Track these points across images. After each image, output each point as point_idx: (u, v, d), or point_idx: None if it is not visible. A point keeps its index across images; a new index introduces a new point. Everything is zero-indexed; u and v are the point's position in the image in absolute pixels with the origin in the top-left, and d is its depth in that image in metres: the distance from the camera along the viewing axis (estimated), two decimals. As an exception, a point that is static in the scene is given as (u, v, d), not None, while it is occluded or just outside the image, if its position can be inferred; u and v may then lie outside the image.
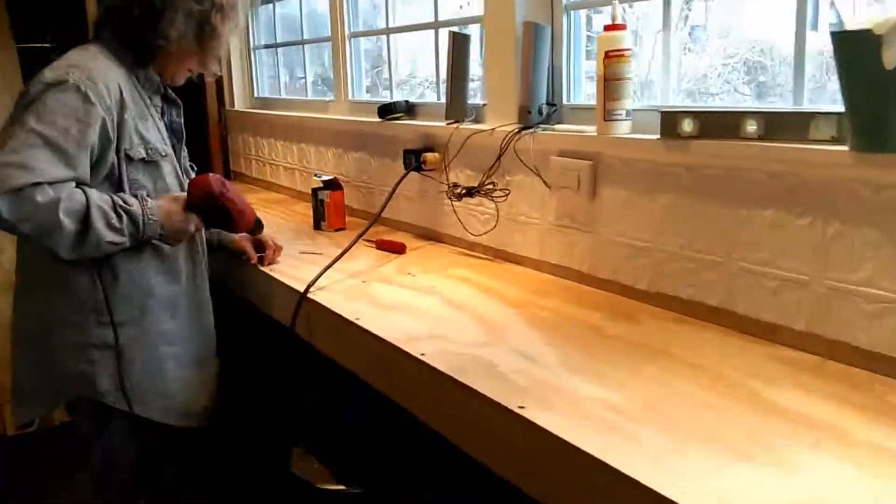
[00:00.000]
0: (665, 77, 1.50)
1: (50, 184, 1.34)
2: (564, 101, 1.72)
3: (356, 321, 1.43)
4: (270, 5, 3.24)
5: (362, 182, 2.41)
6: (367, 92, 2.61)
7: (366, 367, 1.42)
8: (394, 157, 2.21)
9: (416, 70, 2.60)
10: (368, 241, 2.03)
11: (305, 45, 2.96)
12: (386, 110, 2.21)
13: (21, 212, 1.32)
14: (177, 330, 1.67)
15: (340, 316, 1.48)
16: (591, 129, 1.56)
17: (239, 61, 3.41)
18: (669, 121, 1.34)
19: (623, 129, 1.48)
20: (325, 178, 2.29)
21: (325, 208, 2.24)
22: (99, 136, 1.44)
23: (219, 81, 3.41)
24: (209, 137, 3.45)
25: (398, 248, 1.95)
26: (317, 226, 2.28)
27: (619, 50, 1.44)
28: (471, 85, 1.94)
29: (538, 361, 1.20)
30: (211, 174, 1.60)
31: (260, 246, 1.91)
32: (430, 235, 2.11)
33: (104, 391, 1.57)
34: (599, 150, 1.53)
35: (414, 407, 1.27)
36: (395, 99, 2.23)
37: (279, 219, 2.48)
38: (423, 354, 1.25)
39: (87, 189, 1.41)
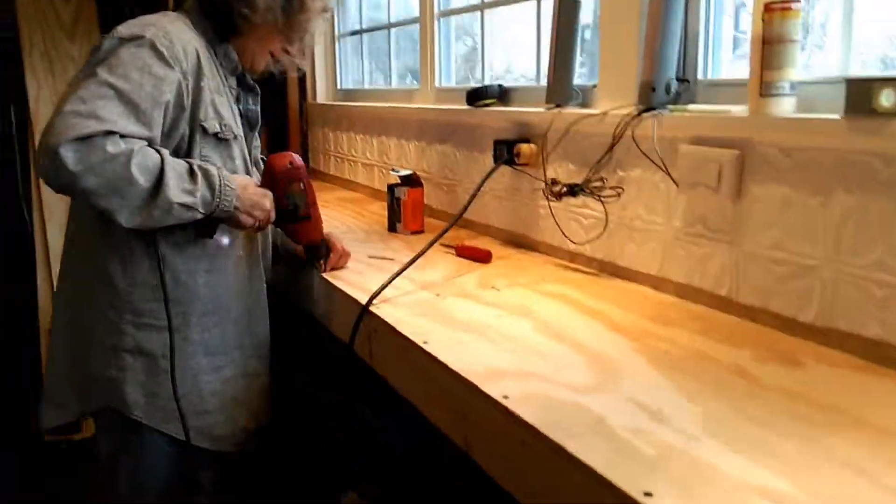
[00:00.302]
0: (845, 36, 1.12)
1: (122, 136, 1.21)
2: (700, 76, 1.37)
3: (423, 345, 1.12)
4: (358, -10, 3.00)
5: (445, 179, 2.11)
6: (456, 83, 2.32)
7: (432, 404, 1.11)
8: (482, 150, 1.90)
9: (513, 65, 2.28)
10: (447, 246, 1.73)
11: (392, 30, 2.69)
12: (475, 96, 1.91)
13: (88, 162, 1.17)
14: (221, 338, 1.46)
15: (405, 336, 1.17)
16: (738, 109, 1.20)
17: (323, 51, 3.19)
18: (860, 92, 0.97)
19: (785, 106, 1.12)
20: (402, 172, 2.00)
21: (401, 207, 1.95)
22: (174, 99, 1.31)
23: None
24: (289, 132, 3.24)
25: (482, 256, 1.63)
26: (391, 227, 2.00)
27: (784, 1, 1.08)
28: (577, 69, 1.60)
29: (667, 419, 0.86)
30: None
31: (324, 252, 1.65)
32: (521, 242, 1.78)
33: (132, 402, 1.39)
34: (750, 136, 1.17)
35: (493, 467, 0.95)
36: (487, 83, 1.93)
37: (351, 218, 2.21)
38: (505, 397, 0.92)
39: (160, 148, 1.27)
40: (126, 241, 1.36)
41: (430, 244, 1.52)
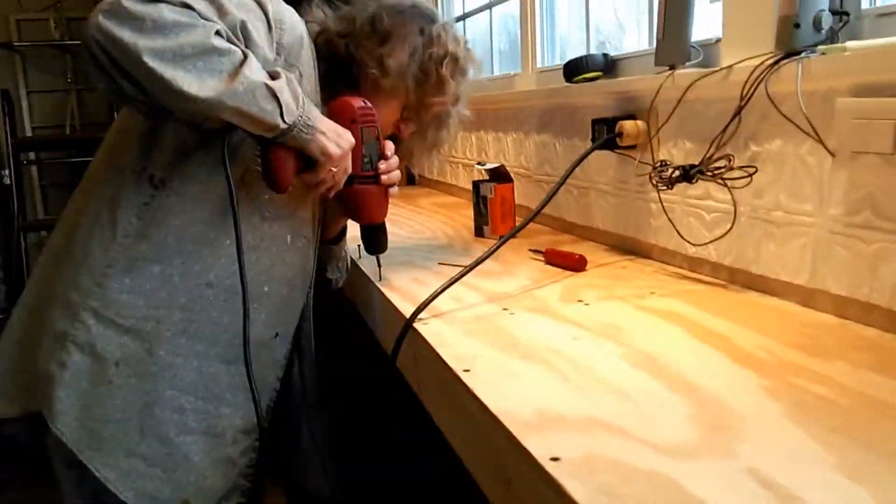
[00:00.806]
0: None
1: (201, 16, 0.90)
2: (866, 4, 0.99)
3: (463, 374, 0.83)
4: (463, -23, 2.75)
5: (544, 175, 1.80)
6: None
7: (475, 458, 0.81)
8: (584, 136, 1.58)
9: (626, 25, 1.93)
10: (536, 252, 1.42)
11: (494, 9, 2.41)
12: (574, 69, 1.59)
13: (156, 18, 0.87)
14: (208, 372, 1.06)
15: (445, 363, 0.88)
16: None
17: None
18: None
19: None
20: (489, 166, 1.71)
21: (487, 207, 1.66)
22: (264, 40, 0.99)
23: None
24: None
25: (574, 263, 1.31)
26: (478, 231, 1.71)
27: None
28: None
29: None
30: None
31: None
32: (630, 247, 1.44)
33: (60, 414, 1.00)
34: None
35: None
36: (589, 52, 1.60)
37: (437, 223, 1.94)
38: (555, 459, 0.61)
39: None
40: (132, 192, 1.02)
41: (497, 246, 1.22)
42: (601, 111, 1.44)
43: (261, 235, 1.07)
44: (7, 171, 3.54)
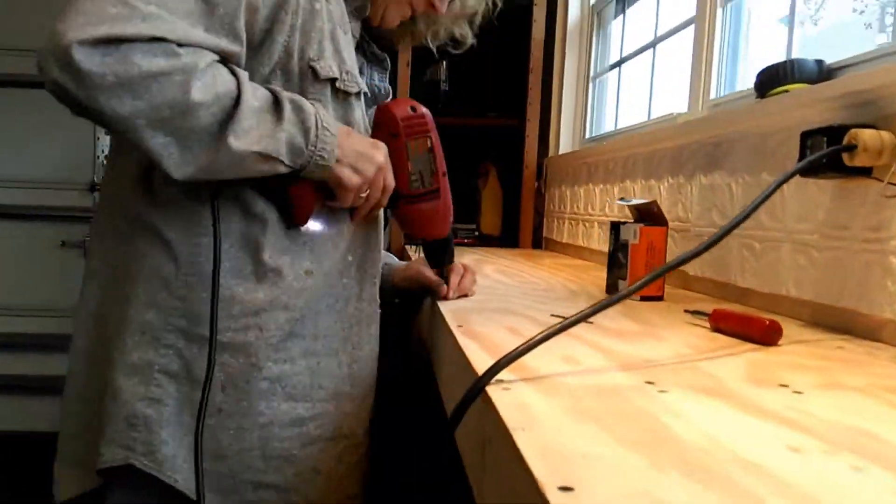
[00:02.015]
0: None
1: (180, 45, 0.79)
2: None
3: (558, 496, 0.39)
4: (622, 16, 2.39)
5: (710, 226, 1.34)
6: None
7: None
8: (776, 168, 1.12)
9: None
10: (696, 313, 0.96)
11: (657, 47, 2.02)
12: (772, 79, 1.15)
13: (122, 75, 0.75)
14: (310, 377, 0.98)
15: (525, 464, 0.45)
16: None
17: (573, 94, 2.60)
18: None
19: None
20: (634, 201, 1.27)
21: (628, 256, 1.22)
22: (270, 9, 0.89)
23: (543, 123, 2.63)
24: (522, 195, 2.65)
25: (761, 332, 0.83)
26: (612, 288, 1.26)
27: None
28: None
29: None
30: None
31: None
32: (840, 322, 0.95)
33: (168, 459, 0.90)
34: None
35: None
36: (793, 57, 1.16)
37: (559, 279, 1.51)
38: None
39: (236, 68, 0.86)
40: (185, 210, 0.93)
41: (635, 288, 0.77)
42: (812, 123, 0.99)
43: (325, 244, 0.99)
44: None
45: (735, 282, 1.21)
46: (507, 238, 2.71)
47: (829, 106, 1.00)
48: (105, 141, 3.89)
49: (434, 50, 1.22)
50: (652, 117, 1.97)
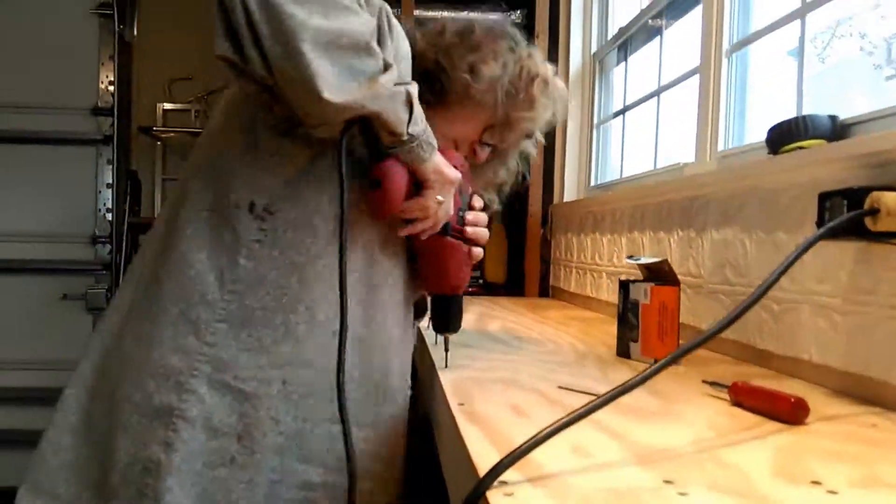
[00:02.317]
0: None
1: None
2: None
3: None
4: (624, 64, 2.37)
5: (723, 283, 1.29)
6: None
7: None
8: (793, 226, 1.08)
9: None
10: (715, 384, 0.91)
11: (662, 96, 1.99)
12: (783, 136, 1.12)
13: None
14: (326, 438, 0.93)
15: None
16: None
17: (577, 140, 2.58)
18: None
19: None
20: (644, 260, 1.23)
21: (639, 317, 1.17)
22: None
23: (548, 169, 2.60)
24: (526, 244, 2.60)
25: (786, 410, 0.78)
26: (622, 350, 1.21)
27: None
28: None
29: None
30: None
31: None
32: (868, 392, 0.89)
33: None
34: None
35: None
36: (804, 113, 1.13)
37: (566, 336, 1.45)
38: None
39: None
40: (238, 230, 0.91)
41: (654, 369, 0.71)
42: (828, 186, 0.94)
43: (382, 273, 0.98)
44: (111, 248, 3.43)
45: (753, 343, 1.15)
46: (512, 286, 2.65)
47: (846, 165, 0.96)
48: (107, 194, 3.88)
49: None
50: (658, 166, 1.93)
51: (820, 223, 0.91)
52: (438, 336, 1.06)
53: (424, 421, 1.25)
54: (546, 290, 2.59)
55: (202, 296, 0.89)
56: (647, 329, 1.15)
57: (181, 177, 1.01)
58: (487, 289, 2.63)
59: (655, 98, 2.01)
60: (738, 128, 1.56)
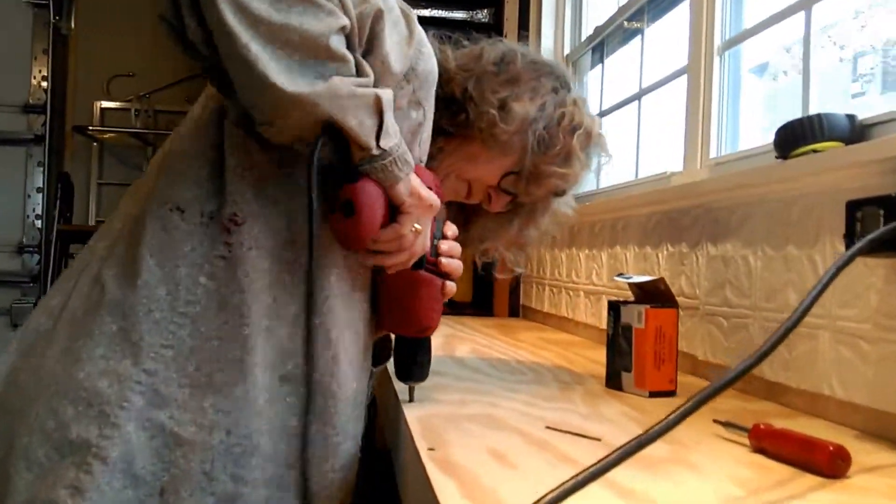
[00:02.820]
0: None
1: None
2: None
3: None
4: (601, 66, 2.29)
5: (723, 305, 1.18)
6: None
7: None
8: (807, 241, 0.98)
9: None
10: (732, 426, 0.80)
11: (643, 99, 1.90)
12: (797, 137, 1.02)
13: None
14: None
15: None
16: None
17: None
18: None
19: None
20: (637, 279, 1.12)
21: (632, 343, 1.06)
22: None
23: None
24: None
25: (826, 464, 0.67)
26: (612, 379, 1.09)
27: None
28: None
29: None
30: None
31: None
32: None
33: None
34: None
35: None
36: (818, 111, 1.03)
37: (544, 361, 1.34)
38: None
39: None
40: (199, 242, 0.79)
41: (677, 417, 0.60)
42: (849, 193, 0.84)
43: (353, 313, 0.85)
44: (39, 258, 3.24)
45: (762, 374, 1.05)
46: (479, 304, 2.54)
47: (873, 170, 0.86)
48: (36, 199, 3.68)
49: (479, 265, 1.20)
50: (640, 176, 1.84)
51: (850, 236, 0.81)
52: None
53: (382, 457, 1.12)
54: (516, 310, 2.48)
55: (148, 312, 0.76)
56: (642, 357, 1.04)
57: (151, 166, 0.88)
58: (452, 307, 2.52)
59: (636, 102, 1.92)
60: (731, 133, 1.47)
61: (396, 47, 0.78)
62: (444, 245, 0.91)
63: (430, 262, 0.89)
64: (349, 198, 0.75)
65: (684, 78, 1.57)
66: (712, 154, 1.45)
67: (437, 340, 1.72)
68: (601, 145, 1.10)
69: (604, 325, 1.70)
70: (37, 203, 3.76)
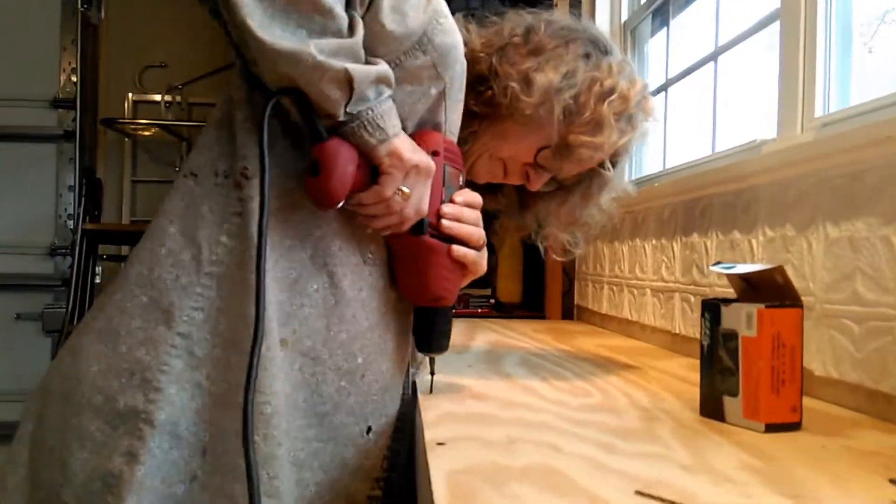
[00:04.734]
0: None
1: None
2: None
3: None
4: (664, 32, 1.98)
5: (854, 302, 0.88)
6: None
7: None
8: None
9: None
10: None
11: (719, 59, 1.59)
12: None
13: None
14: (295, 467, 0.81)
15: None
16: None
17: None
18: None
19: None
20: (742, 269, 0.83)
21: (738, 359, 0.77)
22: None
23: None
24: (545, 256, 2.20)
25: None
26: (710, 407, 0.80)
27: None
28: None
29: None
30: None
31: None
32: None
33: None
34: None
35: None
36: None
37: (613, 380, 1.05)
38: None
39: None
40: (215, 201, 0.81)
41: None
42: None
43: (361, 283, 0.85)
44: (73, 260, 3.05)
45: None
46: (529, 305, 2.27)
47: None
48: (68, 198, 3.51)
49: (542, 249, 1.18)
50: (718, 150, 1.53)
51: None
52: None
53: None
54: (570, 312, 2.20)
55: (176, 279, 0.79)
56: (754, 376, 0.75)
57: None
58: (500, 309, 2.25)
59: (711, 64, 1.62)
60: (840, 88, 1.16)
61: (401, 9, 0.77)
62: (448, 208, 0.87)
63: (433, 228, 0.86)
64: (314, 157, 0.75)
65: (776, 26, 1.27)
66: (817, 113, 1.15)
67: (480, 345, 1.47)
68: (645, 110, 1.03)
69: (677, 329, 1.41)
70: (68, 203, 3.59)
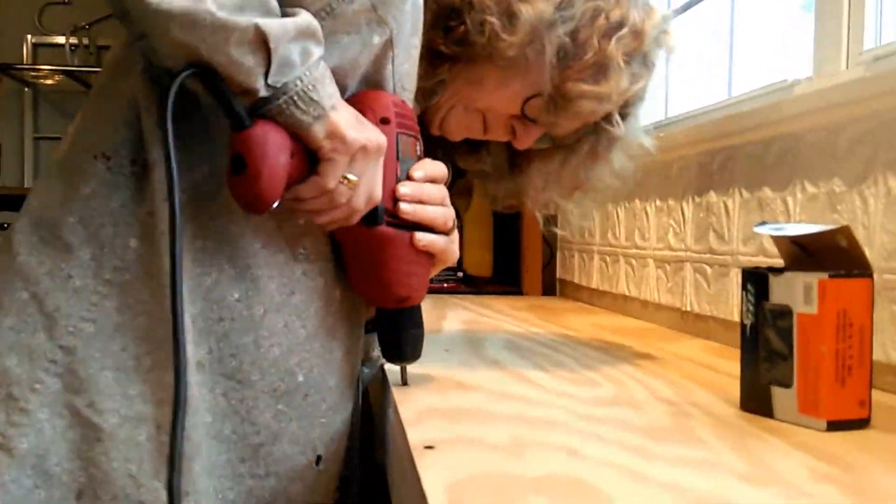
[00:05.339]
0: None
1: None
2: None
3: None
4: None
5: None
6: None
7: None
8: None
9: None
10: None
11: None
12: None
13: None
14: None
15: None
16: None
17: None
18: None
19: None
20: (792, 230, 0.76)
21: (793, 339, 0.70)
22: None
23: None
24: (522, 221, 2.12)
25: None
26: (755, 400, 0.73)
27: None
28: None
29: None
30: None
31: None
32: None
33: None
34: None
35: None
36: None
37: (629, 369, 0.98)
38: None
39: None
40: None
41: None
42: None
43: (292, 286, 0.79)
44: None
45: None
46: (502, 279, 2.19)
47: None
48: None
49: (540, 221, 1.19)
50: (735, 93, 1.46)
51: None
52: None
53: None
54: (552, 287, 2.13)
55: (67, 278, 0.73)
56: (813, 363, 0.68)
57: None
58: (469, 283, 2.17)
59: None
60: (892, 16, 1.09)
61: None
62: (406, 187, 0.80)
63: (389, 214, 0.80)
64: (237, 150, 0.67)
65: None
66: (866, 46, 1.08)
67: (453, 325, 1.39)
68: (666, 45, 0.98)
69: (688, 306, 1.35)
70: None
